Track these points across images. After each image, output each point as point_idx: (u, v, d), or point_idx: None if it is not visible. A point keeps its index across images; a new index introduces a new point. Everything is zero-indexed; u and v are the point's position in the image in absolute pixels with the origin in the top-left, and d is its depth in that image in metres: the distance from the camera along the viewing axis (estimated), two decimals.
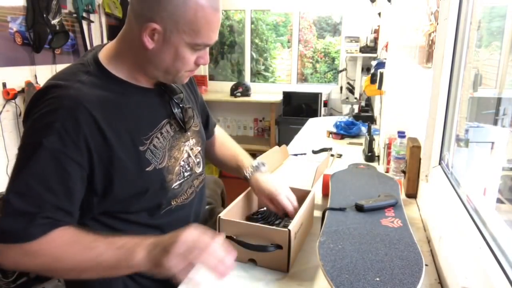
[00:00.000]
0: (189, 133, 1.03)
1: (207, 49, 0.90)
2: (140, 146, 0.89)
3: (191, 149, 1.04)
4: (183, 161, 1.00)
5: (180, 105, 0.99)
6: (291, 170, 1.81)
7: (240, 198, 1.13)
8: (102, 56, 0.90)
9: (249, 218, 1.15)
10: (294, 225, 0.96)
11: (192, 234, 0.76)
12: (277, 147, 1.89)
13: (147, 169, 0.90)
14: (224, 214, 1.01)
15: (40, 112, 0.80)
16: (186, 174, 1.02)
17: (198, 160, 1.06)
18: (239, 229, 0.98)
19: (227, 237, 0.99)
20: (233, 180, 1.17)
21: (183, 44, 0.84)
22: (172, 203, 0.99)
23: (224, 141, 1.32)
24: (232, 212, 1.06)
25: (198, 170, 1.07)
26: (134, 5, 0.84)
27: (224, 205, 1.45)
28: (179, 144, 0.99)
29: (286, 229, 0.93)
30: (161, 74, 0.90)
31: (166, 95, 0.97)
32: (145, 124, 0.91)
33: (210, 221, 1.24)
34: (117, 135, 0.84)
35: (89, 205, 0.87)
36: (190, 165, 1.04)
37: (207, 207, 1.24)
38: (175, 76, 0.91)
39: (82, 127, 0.79)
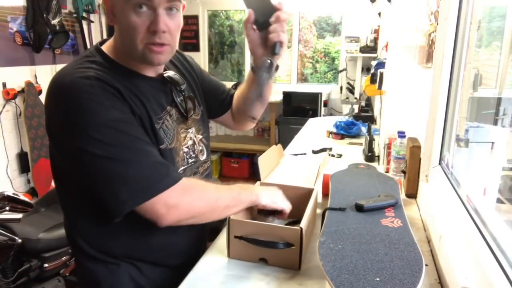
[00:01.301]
0: (189, 121, 1.05)
1: (160, 12, 0.83)
2: (156, 124, 0.92)
3: (195, 136, 1.07)
4: (187, 147, 1.03)
5: (182, 94, 1.02)
6: (291, 170, 1.81)
7: None
8: (105, 48, 0.93)
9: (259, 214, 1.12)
10: (305, 223, 0.96)
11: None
12: (274, 146, 1.90)
13: (161, 146, 0.92)
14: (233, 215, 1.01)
15: (77, 99, 0.79)
16: (190, 160, 1.04)
17: (201, 147, 1.09)
18: (249, 229, 0.98)
19: (237, 237, 0.99)
20: (234, 181, 1.17)
21: (124, 6, 0.83)
22: None
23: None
24: (240, 212, 1.06)
25: (202, 157, 1.10)
26: None
27: None
28: (180, 129, 1.01)
29: (298, 227, 0.94)
30: (130, 52, 0.88)
31: (169, 85, 1.00)
32: (156, 107, 0.94)
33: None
34: (139, 113, 0.88)
35: None
36: (196, 152, 1.06)
37: None
38: (137, 51, 0.86)
39: (118, 98, 0.84)
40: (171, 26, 0.86)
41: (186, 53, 1.18)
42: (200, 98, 1.15)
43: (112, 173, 0.79)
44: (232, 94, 1.25)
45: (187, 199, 0.86)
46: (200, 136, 1.10)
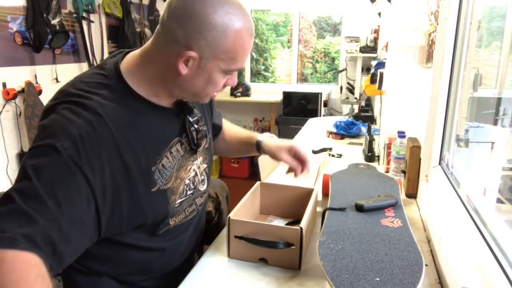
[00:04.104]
0: (197, 153, 1.01)
1: (235, 74, 0.90)
2: (153, 166, 0.86)
3: (198, 167, 1.02)
4: (188, 179, 0.98)
5: (195, 125, 0.96)
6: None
7: (246, 198, 1.13)
8: (124, 69, 0.86)
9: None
10: (305, 223, 0.96)
11: None
12: None
13: (153, 189, 0.86)
14: (233, 214, 1.01)
15: (59, 116, 0.76)
16: (189, 192, 0.98)
17: (202, 177, 1.04)
18: (249, 229, 0.98)
19: (237, 237, 0.99)
20: (234, 181, 1.17)
21: (217, 70, 0.83)
22: (171, 223, 0.94)
23: (229, 126, 1.32)
24: (241, 212, 1.06)
25: (202, 188, 1.04)
26: (168, 30, 0.79)
27: (228, 208, 1.46)
28: (187, 163, 0.96)
29: (298, 227, 0.94)
30: (188, 96, 0.90)
31: (182, 114, 0.95)
32: (159, 143, 0.88)
33: (219, 223, 1.25)
34: (135, 157, 0.81)
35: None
36: (195, 183, 1.01)
37: (209, 209, 1.24)
38: (203, 98, 0.91)
39: (101, 147, 0.76)
40: None
41: None
42: (210, 124, 1.11)
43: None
44: (220, 128, 1.24)
45: None
46: (205, 166, 1.05)
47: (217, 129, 1.22)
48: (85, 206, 0.73)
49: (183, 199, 0.96)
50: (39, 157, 0.71)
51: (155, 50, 0.84)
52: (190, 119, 0.95)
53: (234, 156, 1.31)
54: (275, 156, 1.18)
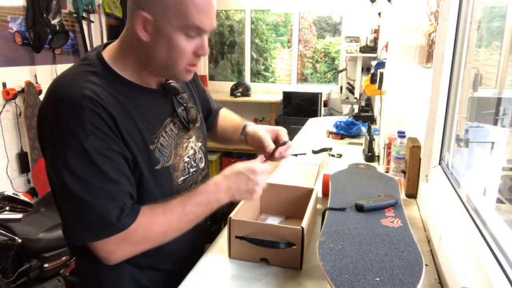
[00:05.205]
0: (191, 131, 1.05)
1: (205, 38, 0.88)
2: (151, 145, 0.91)
3: (195, 145, 1.07)
4: (188, 157, 1.03)
5: (184, 105, 1.01)
6: (291, 170, 1.81)
7: None
8: (106, 56, 0.90)
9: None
10: (305, 223, 0.96)
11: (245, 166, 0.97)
12: None
13: (156, 167, 0.92)
14: (234, 215, 1.01)
15: (64, 116, 0.80)
16: (191, 170, 1.04)
17: (200, 155, 1.09)
18: (250, 229, 0.98)
19: (238, 237, 0.99)
20: None
21: (175, 31, 0.83)
22: None
23: (226, 115, 1.35)
24: (241, 212, 1.06)
25: (201, 165, 1.10)
26: (129, 2, 0.86)
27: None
28: (182, 141, 1.01)
29: (299, 227, 0.94)
30: (161, 69, 0.90)
31: (170, 95, 0.99)
32: (153, 124, 0.93)
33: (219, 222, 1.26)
34: (131, 136, 0.86)
35: None
36: (196, 161, 1.06)
37: None
38: (176, 70, 0.90)
39: (108, 124, 0.82)
40: None
41: None
42: (199, 106, 1.15)
43: (69, 206, 0.82)
44: (217, 113, 1.31)
45: (126, 247, 0.85)
46: (200, 144, 1.10)
47: (209, 111, 1.26)
48: (127, 167, 0.86)
49: (186, 176, 1.02)
50: (76, 160, 0.79)
51: (126, 29, 0.89)
52: (178, 99, 1.00)
53: (227, 143, 1.36)
54: (256, 135, 1.15)
